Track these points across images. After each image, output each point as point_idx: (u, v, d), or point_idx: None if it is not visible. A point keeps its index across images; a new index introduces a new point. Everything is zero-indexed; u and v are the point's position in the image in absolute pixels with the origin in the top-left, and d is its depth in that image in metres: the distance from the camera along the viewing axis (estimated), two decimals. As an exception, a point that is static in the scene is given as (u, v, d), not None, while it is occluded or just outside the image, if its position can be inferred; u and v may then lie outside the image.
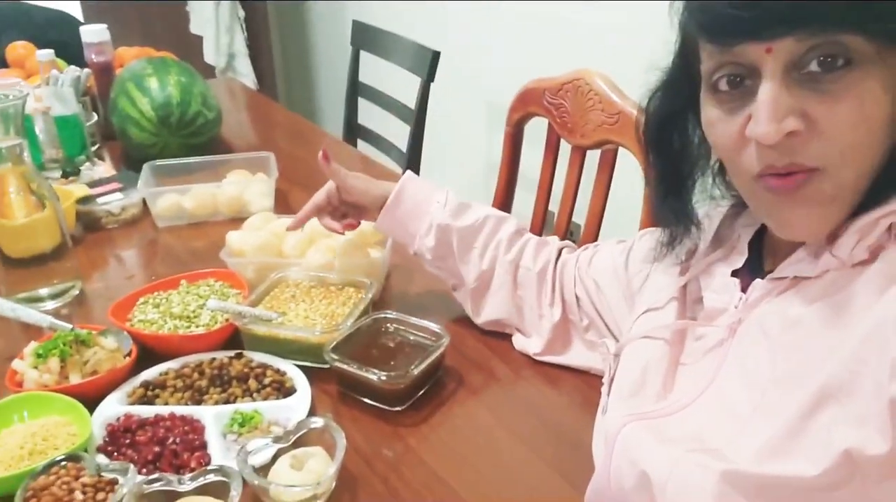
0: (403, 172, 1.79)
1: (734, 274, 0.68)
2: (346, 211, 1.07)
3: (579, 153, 1.30)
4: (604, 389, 0.73)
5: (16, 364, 0.91)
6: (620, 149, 1.23)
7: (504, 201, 1.47)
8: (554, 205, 1.39)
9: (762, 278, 0.64)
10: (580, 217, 1.31)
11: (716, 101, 0.59)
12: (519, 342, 0.99)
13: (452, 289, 1.04)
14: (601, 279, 0.90)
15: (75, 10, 2.83)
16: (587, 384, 0.91)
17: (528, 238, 1.00)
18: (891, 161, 0.56)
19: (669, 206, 0.72)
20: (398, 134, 1.95)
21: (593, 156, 1.30)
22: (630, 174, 1.22)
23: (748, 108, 0.56)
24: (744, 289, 0.65)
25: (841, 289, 0.56)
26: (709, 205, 0.74)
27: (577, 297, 0.94)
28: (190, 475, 0.73)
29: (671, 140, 0.69)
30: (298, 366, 0.93)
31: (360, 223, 1.06)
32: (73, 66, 1.70)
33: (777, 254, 0.65)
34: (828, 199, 0.56)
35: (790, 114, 0.53)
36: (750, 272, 0.67)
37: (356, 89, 2.10)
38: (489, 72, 2.37)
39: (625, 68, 1.27)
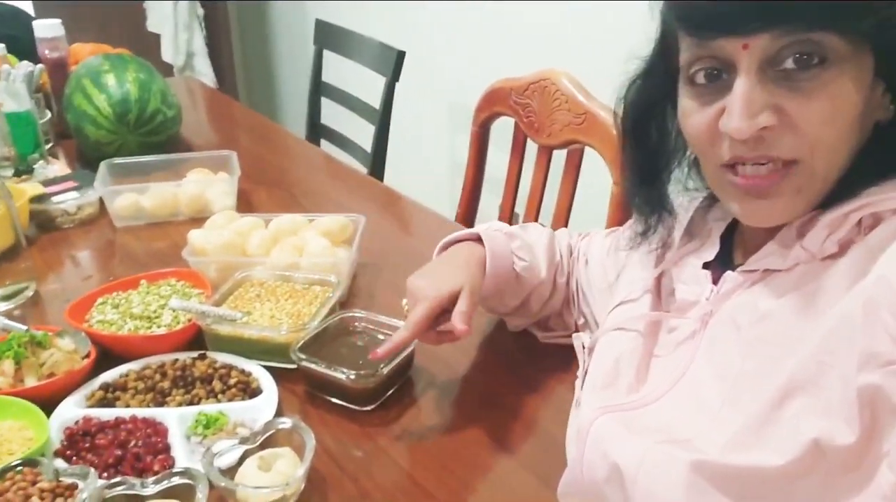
0: (370, 173, 1.80)
1: (706, 266, 0.69)
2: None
3: (546, 153, 1.31)
4: (577, 383, 0.73)
5: (-33, 367, 0.87)
6: (587, 150, 1.24)
7: (470, 201, 1.47)
8: (520, 206, 1.39)
9: (733, 271, 0.65)
10: (546, 218, 1.32)
11: (692, 93, 0.59)
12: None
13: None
14: (591, 272, 0.91)
15: (27, 6, 2.75)
16: (560, 382, 0.91)
17: (567, 248, 0.97)
18: (860, 155, 0.57)
19: (644, 195, 0.72)
20: (362, 134, 1.94)
21: (559, 156, 1.30)
22: (596, 174, 1.23)
23: (722, 100, 0.56)
24: (715, 282, 0.66)
25: (810, 282, 0.57)
26: (683, 197, 0.75)
27: (574, 293, 0.95)
28: (153, 478, 0.71)
29: (648, 129, 0.70)
30: (264, 367, 0.91)
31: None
32: (25, 62, 1.65)
33: (747, 247, 0.66)
34: (794, 190, 0.57)
35: (764, 109, 0.54)
36: (721, 265, 0.68)
37: (319, 89, 2.08)
38: (453, 71, 2.37)
39: (588, 68, 1.29)
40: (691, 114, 0.60)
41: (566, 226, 1.28)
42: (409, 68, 1.79)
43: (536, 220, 1.35)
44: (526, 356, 0.97)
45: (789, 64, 0.53)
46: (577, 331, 0.94)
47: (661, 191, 0.72)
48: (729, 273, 0.65)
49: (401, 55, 1.75)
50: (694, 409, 0.61)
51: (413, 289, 0.84)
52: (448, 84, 2.41)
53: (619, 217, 1.14)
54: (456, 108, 2.44)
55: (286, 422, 0.78)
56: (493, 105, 1.37)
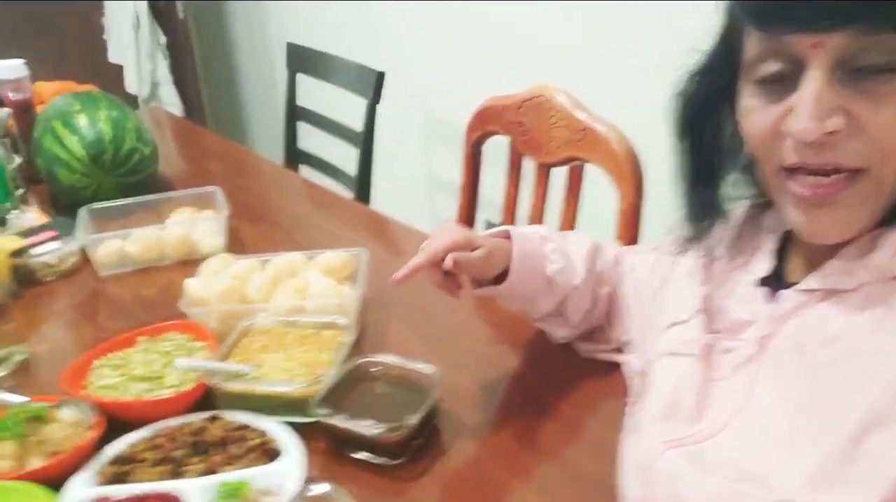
0: (356, 197, 1.76)
1: (758, 283, 0.66)
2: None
3: (544, 171, 1.28)
4: (629, 409, 0.70)
5: (-38, 452, 0.81)
6: (588, 166, 1.22)
7: (467, 223, 1.44)
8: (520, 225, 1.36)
9: (786, 287, 0.62)
10: (549, 236, 1.29)
11: (755, 91, 0.57)
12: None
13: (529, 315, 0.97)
14: (638, 284, 0.89)
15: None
16: (592, 415, 0.88)
17: (613, 259, 0.95)
18: None
19: (697, 197, 0.69)
20: (344, 157, 1.89)
21: (558, 174, 1.27)
22: (600, 190, 1.21)
23: (788, 100, 0.54)
24: (770, 300, 0.63)
25: (880, 304, 0.55)
26: (734, 205, 0.72)
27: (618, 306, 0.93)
28: (184, 564, 0.66)
29: (704, 127, 0.67)
30: (283, 422, 0.86)
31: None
32: (-11, 106, 1.58)
33: (805, 263, 0.63)
34: (859, 201, 0.55)
35: (833, 112, 0.52)
36: (774, 281, 0.65)
37: (294, 113, 2.03)
38: (434, 90, 2.34)
39: (576, 82, 1.26)
40: (754, 112, 0.57)
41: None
42: (386, 88, 1.75)
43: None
44: (556, 393, 0.93)
45: (862, 66, 0.51)
46: (620, 349, 0.92)
47: (715, 194, 0.69)
48: (787, 292, 0.62)
49: (381, 76, 1.71)
50: (760, 440, 0.58)
51: (449, 231, 0.84)
52: (424, 101, 2.38)
53: (628, 234, 1.12)
54: (434, 125, 2.41)
55: (319, 489, 0.73)
56: (485, 124, 1.34)
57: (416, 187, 2.54)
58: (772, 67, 0.55)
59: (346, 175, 1.88)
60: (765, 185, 0.62)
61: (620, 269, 0.94)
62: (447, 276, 0.83)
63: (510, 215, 1.36)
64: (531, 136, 1.26)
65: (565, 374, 0.95)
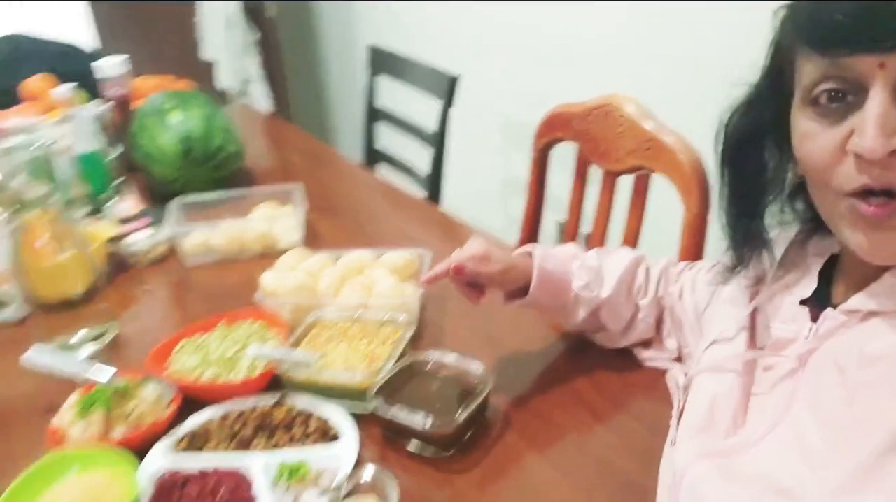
0: (428, 196, 1.81)
1: (802, 303, 0.67)
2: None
3: (611, 178, 1.29)
4: (672, 422, 0.72)
5: (56, 420, 0.90)
6: (653, 177, 1.22)
7: (532, 228, 1.46)
8: (585, 230, 1.38)
9: (830, 308, 0.63)
10: (614, 243, 1.30)
11: (814, 115, 0.57)
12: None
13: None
14: (688, 301, 0.91)
15: (85, 32, 2.85)
16: (638, 421, 0.90)
17: (659, 272, 0.99)
18: None
19: (741, 227, 0.71)
20: (418, 157, 1.95)
21: (623, 181, 1.29)
22: (666, 200, 1.21)
23: (849, 121, 0.54)
24: (814, 319, 0.64)
25: None
26: (775, 230, 0.73)
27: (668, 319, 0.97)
28: (244, 533, 0.72)
29: (749, 159, 0.68)
30: (341, 410, 0.92)
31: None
32: (93, 102, 1.70)
33: (848, 285, 0.64)
34: None
35: None
36: (818, 301, 0.66)
37: (373, 114, 2.09)
38: (508, 94, 2.37)
39: (646, 91, 1.27)
40: (814, 136, 0.57)
41: (634, 252, 1.26)
42: (461, 90, 1.79)
43: (603, 246, 1.33)
44: (602, 395, 0.96)
45: None
46: (680, 359, 0.94)
47: (759, 223, 0.70)
48: (829, 311, 0.63)
49: (454, 80, 1.75)
50: (795, 456, 0.59)
51: (473, 244, 0.93)
52: (501, 107, 2.41)
53: (692, 244, 1.12)
54: (510, 130, 2.43)
55: (370, 472, 0.78)
56: (553, 131, 1.36)
57: (488, 188, 2.57)
58: (830, 91, 0.55)
59: (419, 175, 1.93)
60: (819, 210, 0.61)
61: (676, 284, 0.96)
62: (470, 286, 0.94)
63: (575, 220, 1.38)
64: (598, 144, 1.27)
65: (615, 378, 0.98)
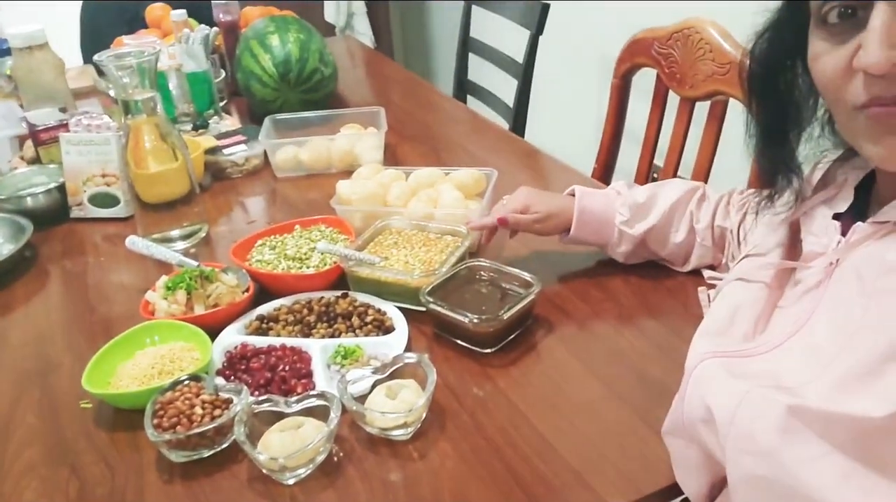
0: (511, 127, 1.84)
1: (836, 217, 0.67)
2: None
3: (687, 105, 1.27)
4: None
5: (149, 295, 1.02)
6: (731, 101, 1.20)
7: (609, 155, 1.46)
8: (659, 159, 1.37)
9: (860, 222, 0.62)
10: (686, 171, 1.29)
11: (824, 34, 0.57)
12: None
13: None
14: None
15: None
16: (678, 336, 0.92)
17: (718, 198, 1.02)
18: None
19: (771, 156, 0.71)
20: (507, 88, 1.96)
21: (702, 109, 1.26)
22: (740, 126, 1.18)
23: (857, 38, 0.54)
24: (845, 233, 0.64)
25: None
26: (818, 158, 0.72)
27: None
28: (295, 398, 0.80)
29: (777, 86, 0.68)
30: (398, 307, 0.99)
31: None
32: (203, 25, 1.82)
33: (883, 200, 0.63)
34: None
35: None
36: (854, 218, 0.65)
37: (467, 46, 2.11)
38: (599, 24, 2.32)
39: (737, 18, 1.23)
40: (823, 55, 0.57)
41: (706, 180, 1.24)
42: (554, 21, 1.78)
43: (675, 174, 1.32)
44: (646, 310, 0.98)
45: None
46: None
47: (789, 153, 0.69)
48: (860, 224, 0.62)
49: (545, 8, 1.75)
50: (806, 361, 0.60)
51: (518, 194, 1.05)
52: (593, 36, 2.37)
53: (760, 172, 1.10)
54: (601, 61, 2.39)
55: (412, 357, 0.85)
56: (634, 56, 1.35)
57: (575, 120, 2.54)
58: (839, 8, 0.55)
59: (506, 106, 1.95)
60: (840, 129, 0.61)
61: (741, 210, 0.96)
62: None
63: (650, 149, 1.37)
64: (677, 69, 1.25)
65: (661, 296, 1.00)
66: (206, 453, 0.78)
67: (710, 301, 0.78)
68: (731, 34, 1.19)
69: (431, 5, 3.39)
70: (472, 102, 2.11)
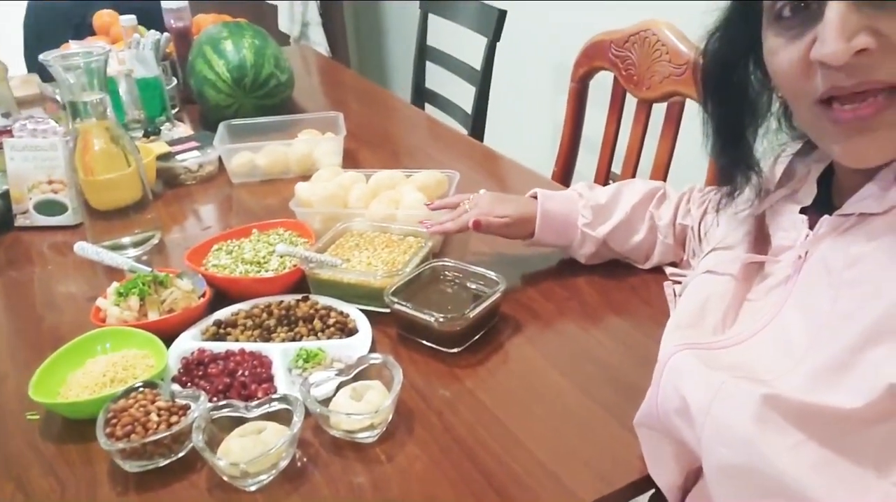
0: (470, 133, 1.83)
1: (803, 211, 0.67)
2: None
3: (645, 108, 1.28)
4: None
5: (100, 302, 0.97)
6: (688, 102, 1.21)
7: (567, 159, 1.47)
8: (617, 165, 1.38)
9: (826, 215, 0.63)
10: (644, 173, 1.30)
11: (778, 30, 0.57)
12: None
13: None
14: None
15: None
16: (642, 332, 0.92)
17: (679, 196, 1.02)
18: None
19: (729, 154, 0.71)
20: (465, 95, 1.96)
21: (659, 111, 1.28)
22: (697, 127, 1.20)
23: (812, 31, 0.54)
24: (812, 227, 0.64)
25: None
26: (777, 152, 0.73)
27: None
28: (256, 402, 0.77)
29: (730, 84, 0.68)
30: (361, 310, 0.96)
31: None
32: (153, 31, 1.78)
33: (844, 191, 0.64)
34: None
35: (859, 31, 0.51)
36: (820, 210, 0.66)
37: (424, 53, 2.11)
38: (556, 30, 2.34)
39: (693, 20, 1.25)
40: (779, 50, 0.57)
41: (664, 180, 1.25)
42: (510, 29, 1.78)
43: (634, 176, 1.33)
44: (610, 308, 0.98)
45: None
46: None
47: (747, 150, 0.70)
48: (825, 217, 0.63)
49: (502, 14, 1.75)
50: (778, 354, 0.60)
51: (478, 198, 1.04)
52: (551, 43, 2.39)
53: (718, 171, 1.11)
54: (557, 68, 2.41)
55: (377, 358, 0.83)
56: (592, 59, 1.36)
57: (532, 126, 2.55)
58: (791, 3, 0.55)
59: (464, 112, 1.94)
60: (799, 124, 0.62)
61: (700, 207, 0.97)
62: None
63: (608, 153, 1.38)
64: (634, 71, 1.26)
65: (624, 294, 1.00)
66: (163, 462, 0.75)
67: (675, 295, 0.78)
68: (686, 35, 1.20)
69: (387, 14, 3.39)
70: (430, 110, 2.10)
